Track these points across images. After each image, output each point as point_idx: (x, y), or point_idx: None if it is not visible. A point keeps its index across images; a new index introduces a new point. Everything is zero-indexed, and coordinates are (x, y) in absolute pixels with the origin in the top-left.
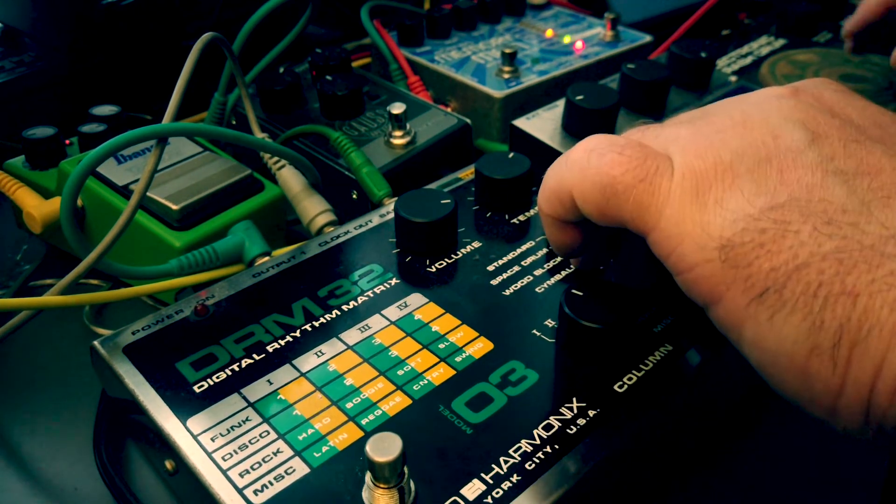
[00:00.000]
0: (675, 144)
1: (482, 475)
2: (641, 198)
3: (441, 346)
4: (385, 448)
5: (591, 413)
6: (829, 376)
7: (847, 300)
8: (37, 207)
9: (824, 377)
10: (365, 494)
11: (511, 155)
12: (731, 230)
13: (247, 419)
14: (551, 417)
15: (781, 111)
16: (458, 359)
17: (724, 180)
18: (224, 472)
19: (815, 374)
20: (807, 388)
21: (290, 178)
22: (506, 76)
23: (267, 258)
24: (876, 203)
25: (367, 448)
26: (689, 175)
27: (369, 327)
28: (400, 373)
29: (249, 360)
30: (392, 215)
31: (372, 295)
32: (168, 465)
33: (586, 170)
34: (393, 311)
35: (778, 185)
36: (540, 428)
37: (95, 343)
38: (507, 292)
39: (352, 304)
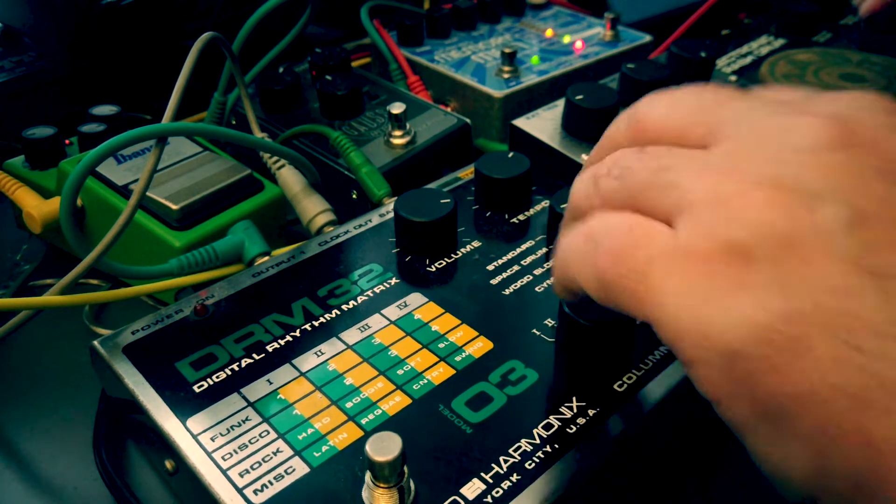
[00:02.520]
0: (688, 211)
1: (482, 474)
2: (635, 290)
3: (441, 345)
4: (385, 447)
5: (591, 412)
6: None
7: (860, 443)
8: (36, 207)
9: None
10: (365, 494)
11: (511, 154)
12: (733, 336)
13: (246, 419)
14: (551, 417)
15: (826, 172)
16: (458, 358)
17: (733, 267)
18: (224, 471)
19: (820, 497)
20: (811, 496)
21: (290, 178)
22: (505, 76)
23: (266, 258)
24: None
25: (367, 447)
26: (691, 259)
27: (369, 327)
28: (400, 372)
29: (249, 360)
30: (392, 215)
31: (371, 294)
32: (168, 464)
33: (583, 264)
34: (392, 311)
35: (800, 285)
36: (540, 427)
37: (95, 343)
38: (507, 292)
39: (351, 303)
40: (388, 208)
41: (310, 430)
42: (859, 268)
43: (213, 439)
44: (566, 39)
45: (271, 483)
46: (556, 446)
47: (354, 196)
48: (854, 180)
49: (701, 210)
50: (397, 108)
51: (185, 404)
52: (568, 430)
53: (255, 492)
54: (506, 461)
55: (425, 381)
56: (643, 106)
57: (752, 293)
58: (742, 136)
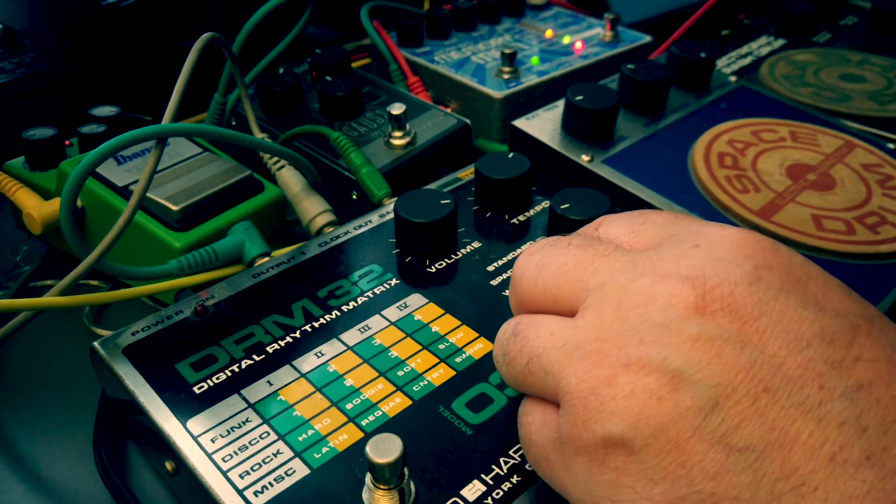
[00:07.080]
0: (565, 401)
1: (482, 476)
2: (547, 473)
3: (441, 346)
4: (385, 449)
5: None
6: None
7: None
8: (36, 208)
9: None
10: (365, 495)
11: (511, 155)
12: None
13: (247, 420)
14: None
15: (685, 347)
16: (458, 359)
17: (617, 457)
18: (224, 473)
19: None
20: None
21: (290, 179)
22: (505, 76)
23: (267, 259)
24: (787, 499)
25: (368, 449)
26: (577, 450)
27: (369, 328)
28: (400, 373)
29: (249, 361)
30: (392, 215)
31: (372, 295)
32: (168, 466)
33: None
34: (393, 312)
35: (677, 469)
36: None
37: (95, 344)
38: (507, 292)
39: (352, 304)
40: (388, 209)
41: (310, 432)
42: (727, 447)
43: (213, 440)
44: (566, 40)
45: (272, 484)
46: None
47: (354, 197)
48: (712, 353)
49: (576, 402)
50: (397, 108)
51: (186, 405)
52: None
53: (255, 493)
54: (506, 462)
55: (425, 383)
56: (517, 268)
57: (636, 483)
58: (606, 307)
